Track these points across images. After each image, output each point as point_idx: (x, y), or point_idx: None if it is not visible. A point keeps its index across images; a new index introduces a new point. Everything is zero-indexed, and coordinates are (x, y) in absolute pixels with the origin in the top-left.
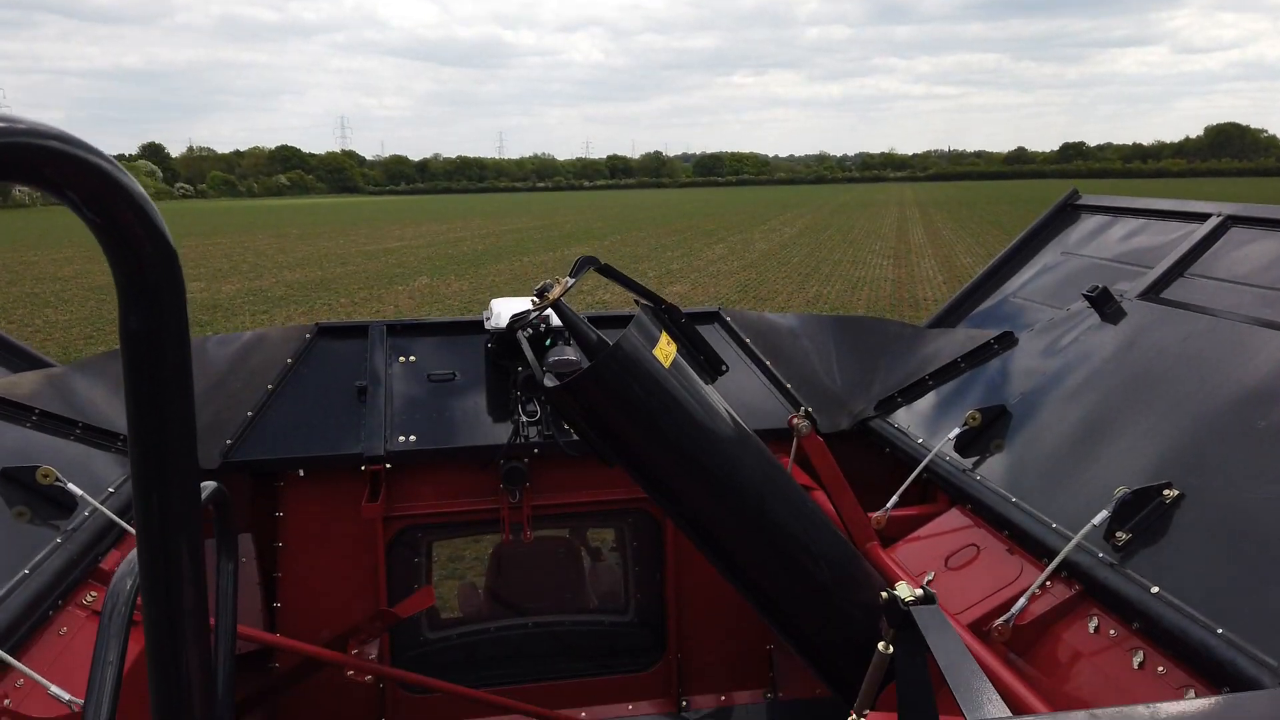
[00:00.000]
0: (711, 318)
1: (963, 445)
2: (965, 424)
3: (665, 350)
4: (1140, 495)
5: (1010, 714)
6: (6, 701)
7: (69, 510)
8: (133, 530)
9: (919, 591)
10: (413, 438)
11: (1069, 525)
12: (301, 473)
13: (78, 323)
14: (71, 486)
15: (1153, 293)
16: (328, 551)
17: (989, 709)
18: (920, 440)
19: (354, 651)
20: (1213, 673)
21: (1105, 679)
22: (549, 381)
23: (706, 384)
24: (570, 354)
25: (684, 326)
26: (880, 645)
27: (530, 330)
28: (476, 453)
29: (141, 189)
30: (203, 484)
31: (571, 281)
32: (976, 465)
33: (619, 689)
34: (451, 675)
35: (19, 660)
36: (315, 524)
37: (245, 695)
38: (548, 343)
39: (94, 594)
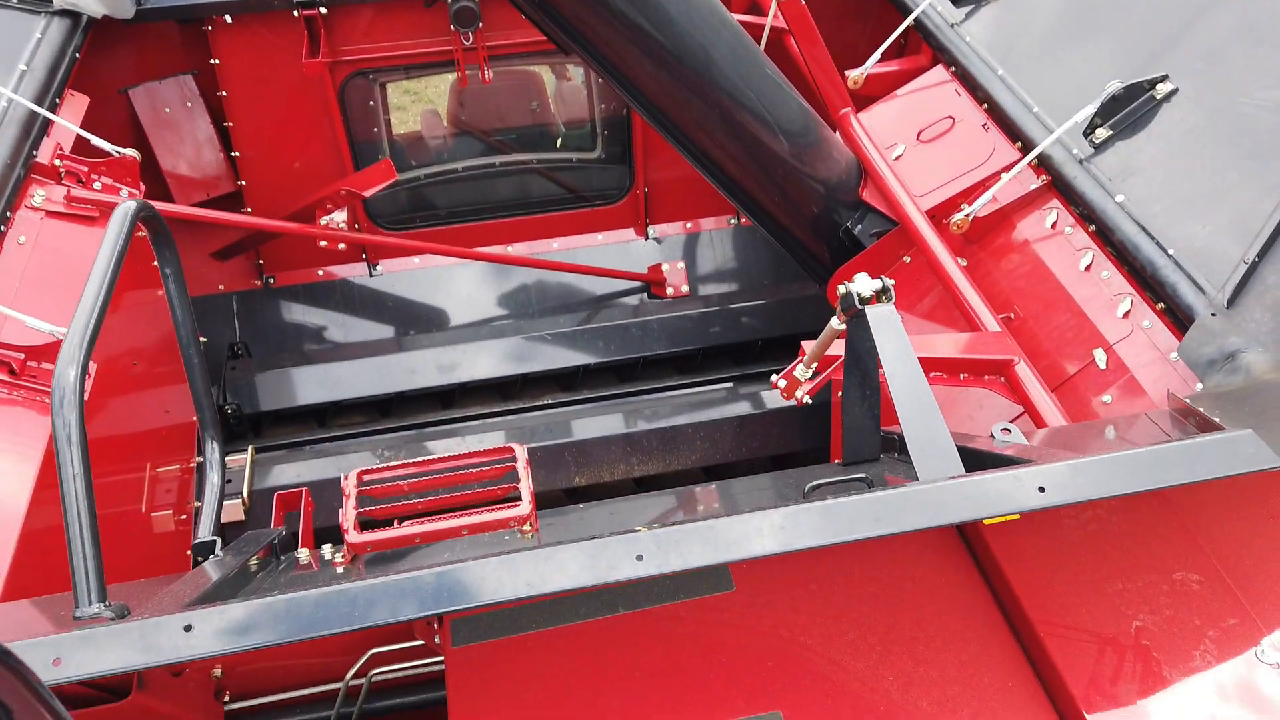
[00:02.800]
0: None
1: None
2: None
3: None
4: (1131, 90)
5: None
6: None
7: None
8: (58, 122)
9: (877, 284)
10: None
11: (1052, 113)
12: (229, 19)
13: None
14: None
15: None
16: (275, 102)
17: (917, 409)
18: None
19: (323, 221)
20: (1153, 290)
21: (1052, 275)
22: None
23: None
24: None
25: None
26: (834, 321)
27: None
28: None
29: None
30: (127, 201)
31: None
32: (969, 17)
33: (588, 221)
34: (424, 216)
35: None
36: (256, 74)
37: (226, 244)
38: None
39: (41, 190)
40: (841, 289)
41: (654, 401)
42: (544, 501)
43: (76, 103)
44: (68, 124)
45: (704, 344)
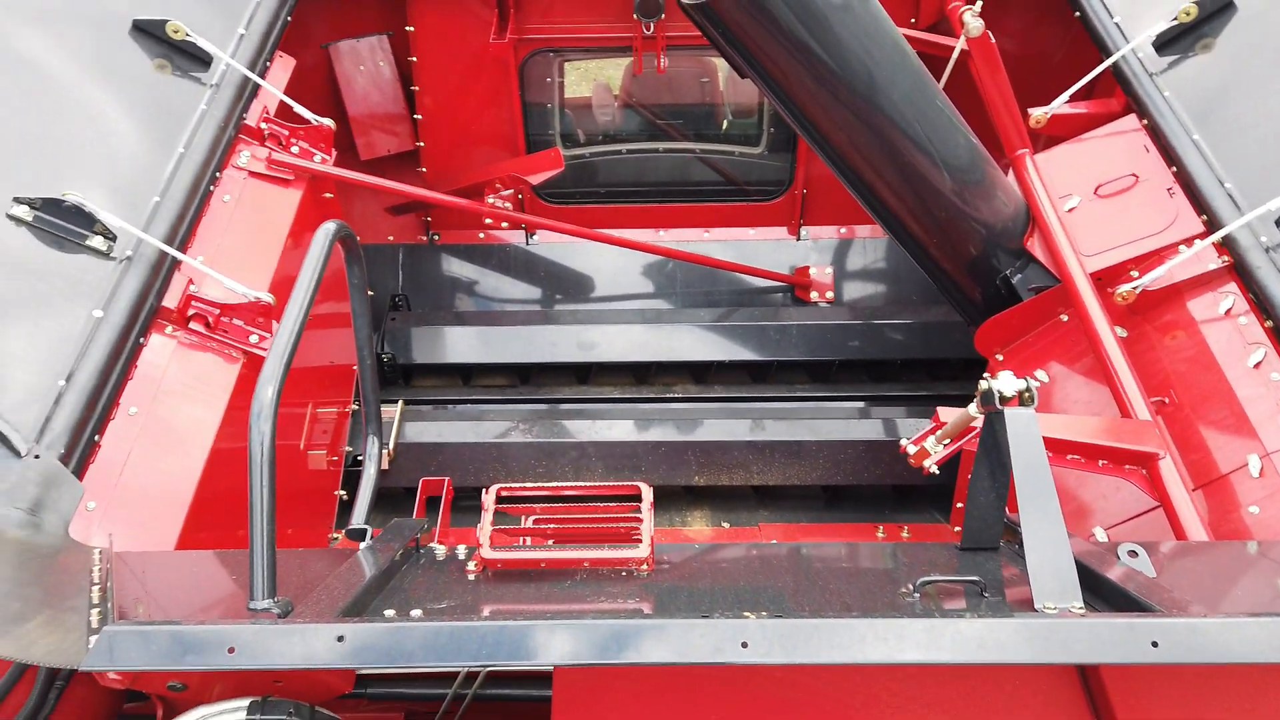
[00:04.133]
0: None
1: (1165, 40)
2: (1175, 18)
3: None
4: None
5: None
6: (192, 288)
7: (205, 64)
8: (265, 85)
9: (1021, 385)
10: None
11: (1244, 192)
12: None
13: None
14: (203, 42)
15: None
16: (460, 71)
17: (1043, 528)
18: (1118, 20)
19: (490, 200)
20: None
21: (1217, 364)
22: None
23: None
24: None
25: None
26: (972, 408)
27: None
28: None
29: None
30: (326, 223)
31: None
32: (1171, 68)
33: (742, 215)
34: (584, 193)
35: (193, 242)
36: (445, 43)
37: (400, 202)
38: None
39: (247, 151)
40: (983, 384)
41: (782, 410)
42: (661, 495)
43: (284, 64)
44: (274, 90)
45: (841, 356)
